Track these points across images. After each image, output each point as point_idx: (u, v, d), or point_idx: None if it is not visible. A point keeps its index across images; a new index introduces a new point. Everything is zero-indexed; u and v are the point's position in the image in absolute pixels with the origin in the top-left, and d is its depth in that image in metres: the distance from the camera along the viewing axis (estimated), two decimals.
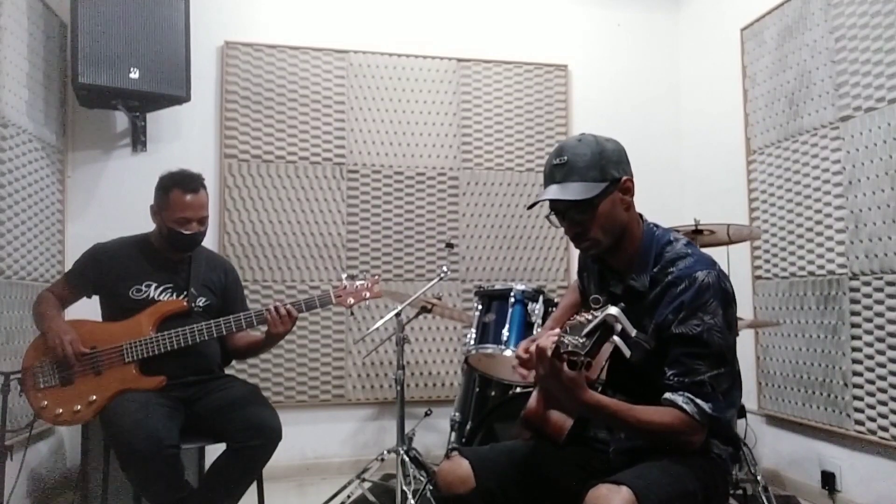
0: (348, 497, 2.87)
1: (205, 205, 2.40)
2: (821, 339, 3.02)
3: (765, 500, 2.66)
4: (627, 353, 1.41)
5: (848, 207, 2.87)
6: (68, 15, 3.10)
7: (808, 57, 3.12)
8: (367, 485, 2.89)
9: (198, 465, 2.79)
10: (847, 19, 2.89)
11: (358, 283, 2.47)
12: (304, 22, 3.79)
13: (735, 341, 1.54)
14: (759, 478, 2.70)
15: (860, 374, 2.80)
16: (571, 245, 3.85)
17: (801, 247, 3.15)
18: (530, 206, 1.68)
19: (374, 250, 3.78)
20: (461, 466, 1.57)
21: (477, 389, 2.93)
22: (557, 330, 1.41)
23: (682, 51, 4.24)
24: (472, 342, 2.75)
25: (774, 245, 3.32)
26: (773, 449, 3.38)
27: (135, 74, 3.14)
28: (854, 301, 2.84)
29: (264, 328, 2.38)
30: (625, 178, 1.55)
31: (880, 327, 2.70)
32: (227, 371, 2.60)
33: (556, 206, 1.58)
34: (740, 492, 2.76)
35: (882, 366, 2.69)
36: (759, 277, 3.44)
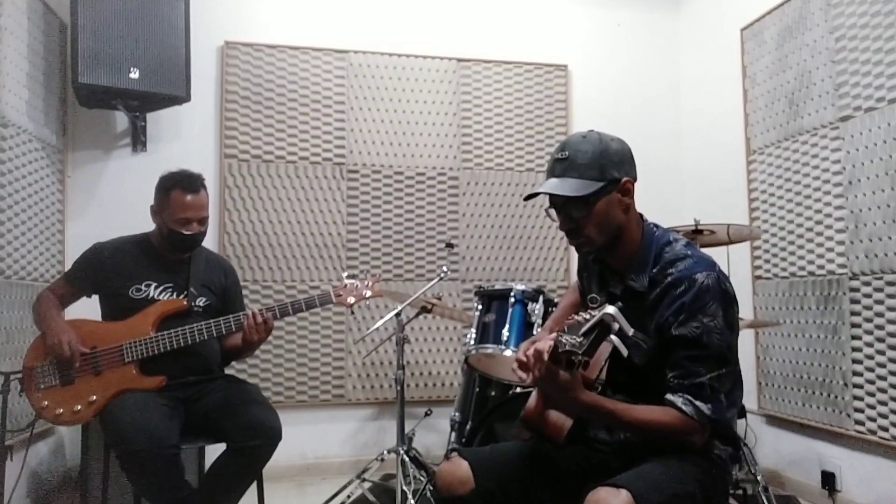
0: (348, 497, 2.87)
1: (205, 205, 2.40)
2: (821, 339, 3.02)
3: (765, 500, 2.66)
4: (625, 352, 1.41)
5: (848, 207, 2.87)
6: (68, 15, 3.10)
7: (808, 57, 3.12)
8: (367, 485, 2.89)
9: (198, 465, 2.79)
10: (847, 19, 2.89)
11: (358, 282, 2.47)
12: (304, 22, 3.79)
13: (736, 342, 1.54)
14: (759, 478, 2.70)
15: (860, 374, 2.80)
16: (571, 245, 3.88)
17: (801, 247, 3.15)
18: (528, 198, 1.69)
19: (374, 250, 3.78)
20: (461, 467, 1.57)
21: (477, 389, 2.93)
22: (555, 335, 1.42)
23: (682, 51, 4.24)
24: (472, 342, 2.75)
25: (774, 245, 3.32)
26: (773, 449, 3.38)
27: (135, 74, 3.14)
28: (854, 301, 2.84)
29: None
30: (625, 179, 1.54)
31: (880, 327, 2.70)
32: (227, 371, 2.60)
33: (553, 200, 1.59)
34: (740, 492, 2.76)
35: (882, 366, 2.69)
36: (759, 277, 3.44)
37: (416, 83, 3.89)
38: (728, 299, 1.50)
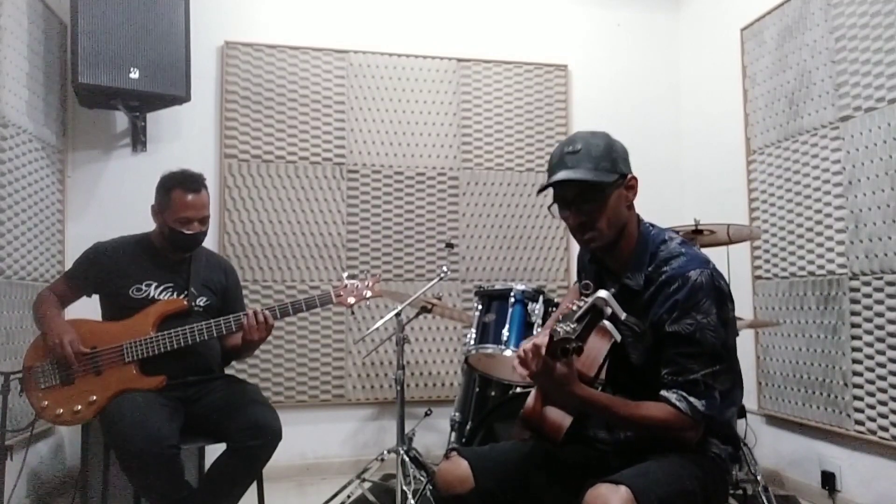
0: (348, 497, 2.88)
1: (206, 204, 2.40)
2: (821, 339, 3.02)
3: (765, 500, 2.66)
4: (618, 337, 1.42)
5: (848, 207, 2.87)
6: (68, 15, 3.11)
7: (808, 57, 3.12)
8: (367, 485, 2.89)
9: (198, 465, 2.79)
10: (847, 19, 2.89)
11: (358, 282, 2.47)
12: (304, 22, 3.79)
13: (734, 339, 1.54)
14: (759, 478, 2.70)
15: (860, 374, 2.80)
16: (571, 245, 3.89)
17: (801, 247, 3.15)
18: (540, 190, 1.62)
19: (374, 250, 3.78)
20: (460, 466, 1.57)
21: (477, 389, 2.93)
22: (551, 322, 1.42)
23: (682, 51, 4.24)
24: (472, 342, 2.75)
25: (774, 245, 3.32)
26: (773, 449, 3.38)
27: (135, 74, 3.14)
28: (854, 301, 2.84)
29: None
30: (630, 175, 1.57)
31: (880, 327, 2.70)
32: (227, 371, 2.60)
33: (564, 193, 1.56)
34: (740, 492, 2.76)
35: (882, 366, 2.69)
36: (759, 277, 3.44)
37: (416, 83, 3.89)
38: (722, 297, 1.50)
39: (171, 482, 2.11)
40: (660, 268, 1.54)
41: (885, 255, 2.68)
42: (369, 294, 2.48)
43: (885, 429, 2.68)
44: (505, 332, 2.67)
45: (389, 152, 3.84)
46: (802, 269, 3.14)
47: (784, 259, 3.26)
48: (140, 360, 2.26)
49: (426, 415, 3.32)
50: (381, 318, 2.81)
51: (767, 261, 3.37)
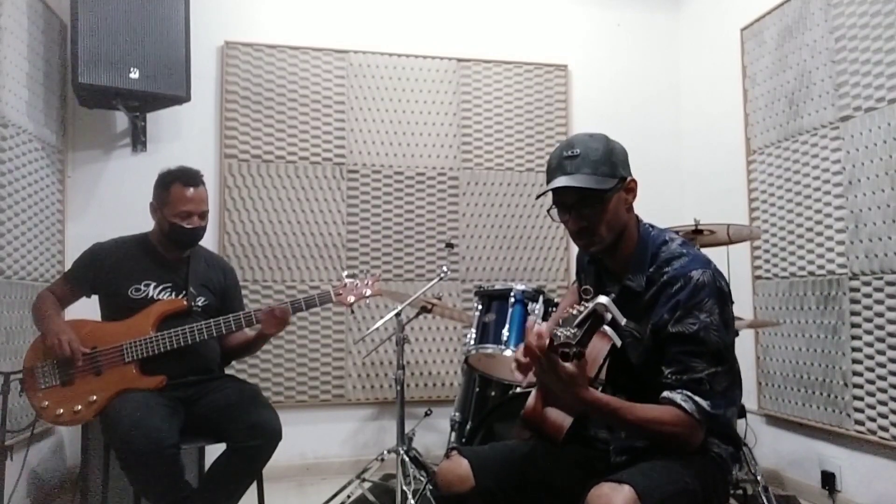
0: (348, 497, 2.87)
1: (205, 199, 2.41)
2: (821, 339, 3.02)
3: (765, 500, 2.66)
4: (619, 342, 1.41)
5: (848, 207, 2.87)
6: (68, 15, 3.10)
7: (808, 57, 3.12)
8: (367, 485, 2.89)
9: (198, 465, 2.79)
10: (847, 19, 2.89)
11: (358, 282, 2.47)
12: (304, 22, 3.79)
13: (733, 340, 1.54)
14: (759, 478, 2.70)
15: (860, 374, 2.80)
16: (571, 245, 3.88)
17: (801, 247, 3.15)
18: (539, 196, 1.65)
19: (374, 250, 3.78)
20: (461, 466, 1.57)
21: (477, 389, 2.93)
22: (545, 324, 1.41)
23: (682, 51, 4.24)
24: (472, 342, 2.75)
25: (774, 245, 3.32)
26: (773, 449, 3.38)
27: (135, 74, 3.14)
28: (854, 301, 2.84)
29: (258, 327, 2.39)
30: (630, 178, 1.57)
31: (880, 327, 2.70)
32: (227, 371, 2.60)
33: (563, 198, 1.56)
34: (740, 492, 2.76)
35: (882, 366, 2.69)
36: (759, 277, 3.44)
37: (416, 83, 3.89)
38: (724, 297, 1.50)
39: (171, 482, 2.11)
40: (661, 269, 1.54)
41: (885, 255, 2.68)
42: (369, 293, 2.48)
43: (885, 429, 2.68)
44: (505, 332, 2.67)
45: (389, 152, 3.84)
46: (802, 269, 3.14)
47: (784, 259, 3.26)
48: (140, 359, 2.26)
49: (426, 415, 3.32)
50: (381, 318, 2.81)
51: (767, 261, 3.37)
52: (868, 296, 2.77)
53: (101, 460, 2.32)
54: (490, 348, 2.69)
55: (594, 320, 1.38)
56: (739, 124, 3.60)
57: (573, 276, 3.78)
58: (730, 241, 2.85)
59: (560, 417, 1.48)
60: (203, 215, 2.40)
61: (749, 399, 3.41)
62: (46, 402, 2.22)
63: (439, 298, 3.23)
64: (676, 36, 4.26)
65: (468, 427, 2.84)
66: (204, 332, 2.29)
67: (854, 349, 2.83)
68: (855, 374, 2.83)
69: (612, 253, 1.61)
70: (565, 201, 1.56)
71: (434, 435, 3.66)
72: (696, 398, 1.43)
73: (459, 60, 3.94)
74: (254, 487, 2.33)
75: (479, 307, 2.84)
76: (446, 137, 3.91)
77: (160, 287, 2.39)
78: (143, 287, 2.37)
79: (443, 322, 3.79)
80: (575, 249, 1.61)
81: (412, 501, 2.61)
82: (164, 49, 3.22)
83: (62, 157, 3.34)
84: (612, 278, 1.65)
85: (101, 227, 2.85)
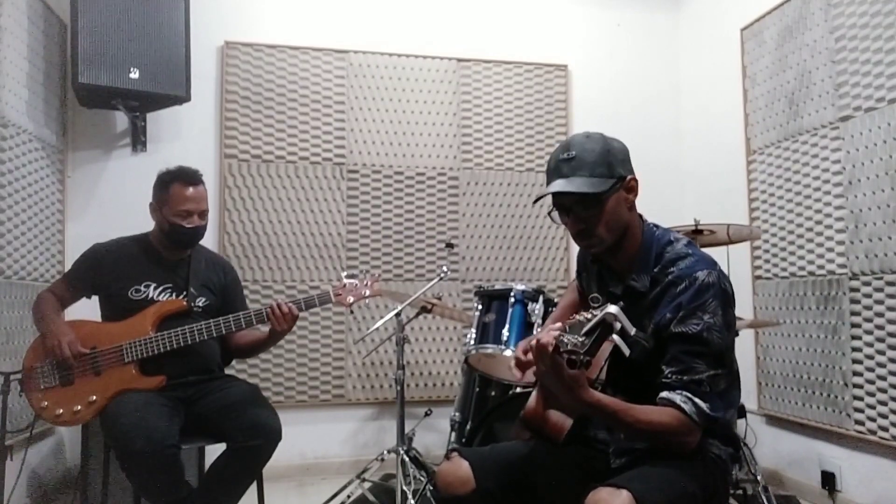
0: (348, 497, 2.87)
1: (205, 198, 2.41)
2: (821, 339, 3.02)
3: (765, 500, 2.66)
4: (627, 351, 1.40)
5: (848, 207, 2.87)
6: (68, 15, 3.10)
7: (808, 57, 3.12)
8: (367, 485, 2.89)
9: (198, 465, 2.79)
10: (847, 19, 2.89)
11: (358, 282, 2.47)
12: (304, 22, 3.79)
13: (734, 342, 1.54)
14: (759, 478, 2.70)
15: (860, 374, 2.80)
16: (571, 245, 3.89)
17: (801, 247, 3.15)
18: (536, 200, 1.67)
19: (374, 250, 3.78)
20: (461, 467, 1.57)
21: (477, 389, 2.93)
22: (558, 324, 1.41)
23: (682, 51, 4.24)
24: (472, 342, 2.75)
25: (774, 245, 3.32)
26: (773, 449, 3.38)
27: (135, 74, 3.14)
28: (854, 301, 2.84)
29: (264, 327, 2.39)
30: (629, 177, 1.55)
31: (880, 327, 2.70)
32: (227, 371, 2.60)
33: (561, 201, 1.56)
34: (740, 492, 2.75)
35: (882, 366, 2.69)
36: (759, 277, 3.44)
37: (416, 83, 3.89)
38: (728, 299, 1.50)
39: (171, 482, 2.11)
40: (666, 268, 1.53)
41: (885, 255, 2.68)
42: (368, 293, 2.48)
43: (885, 429, 2.68)
44: (505, 332, 2.67)
45: (389, 152, 3.84)
46: (802, 269, 3.14)
47: (784, 259, 3.26)
48: (140, 360, 2.26)
49: (426, 415, 3.32)
50: (381, 318, 2.81)
51: (767, 261, 3.37)
52: (868, 296, 2.77)
53: (101, 460, 2.32)
54: (490, 348, 2.69)
55: (603, 330, 1.38)
56: (739, 124, 3.60)
57: (573, 276, 3.78)
58: (730, 241, 2.85)
59: (561, 418, 1.48)
60: (203, 214, 2.40)
61: (749, 399, 3.41)
62: (46, 403, 2.22)
63: (439, 298, 3.23)
64: (676, 36, 4.26)
65: (468, 427, 2.84)
66: (204, 333, 2.29)
67: (854, 349, 2.83)
68: (855, 374, 2.83)
69: (614, 253, 1.60)
70: (563, 203, 1.56)
71: (434, 435, 3.66)
72: (696, 400, 1.42)
73: (459, 60, 3.94)
74: (254, 487, 2.33)
75: (479, 307, 2.84)
76: (446, 137, 3.91)
77: (160, 288, 2.39)
78: (143, 288, 2.37)
79: (443, 322, 3.79)
80: (575, 249, 1.62)
81: (412, 501, 2.61)
82: (163, 49, 3.22)
83: (62, 157, 3.34)
84: (614, 278, 1.65)
85: (101, 227, 2.85)
